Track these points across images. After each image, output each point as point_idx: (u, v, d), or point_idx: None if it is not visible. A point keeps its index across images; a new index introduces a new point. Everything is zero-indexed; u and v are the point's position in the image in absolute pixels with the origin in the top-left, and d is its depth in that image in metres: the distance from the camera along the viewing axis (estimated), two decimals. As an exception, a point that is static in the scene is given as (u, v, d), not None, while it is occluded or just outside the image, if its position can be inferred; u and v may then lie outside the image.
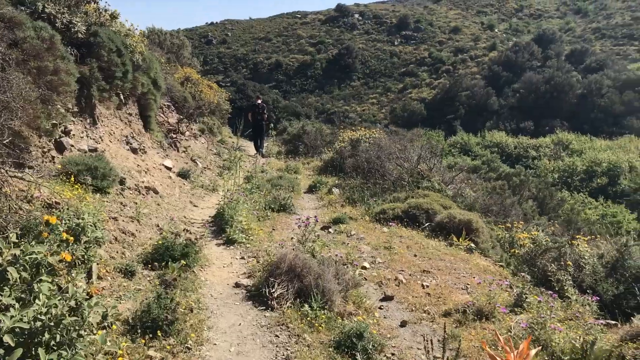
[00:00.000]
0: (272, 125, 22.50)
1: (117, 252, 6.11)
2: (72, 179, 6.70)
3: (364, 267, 7.26)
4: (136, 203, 7.61)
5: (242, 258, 7.10)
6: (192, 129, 16.38)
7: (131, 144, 9.95)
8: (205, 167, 13.05)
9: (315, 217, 8.30)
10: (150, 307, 4.53)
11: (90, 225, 5.53)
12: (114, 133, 9.60)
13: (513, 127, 68.93)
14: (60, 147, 7.57)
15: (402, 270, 7.34)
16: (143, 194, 8.45)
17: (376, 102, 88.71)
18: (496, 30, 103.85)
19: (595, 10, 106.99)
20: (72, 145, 7.92)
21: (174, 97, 16.38)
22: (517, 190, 17.62)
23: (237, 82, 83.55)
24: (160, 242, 6.25)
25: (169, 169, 10.83)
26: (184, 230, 7.32)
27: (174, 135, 13.24)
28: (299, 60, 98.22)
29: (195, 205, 9.73)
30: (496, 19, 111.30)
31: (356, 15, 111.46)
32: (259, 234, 8.21)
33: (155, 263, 6.05)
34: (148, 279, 5.78)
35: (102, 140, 8.99)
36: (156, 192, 8.94)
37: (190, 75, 19.62)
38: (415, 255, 8.19)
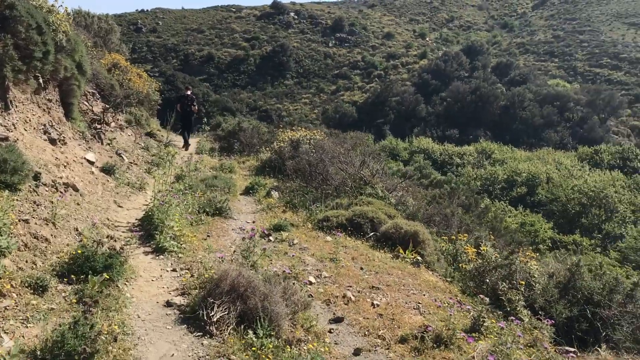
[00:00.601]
0: (203, 118, 21.55)
1: (26, 261, 5.18)
2: (-26, 172, 5.68)
3: (309, 282, 6.69)
4: (52, 202, 6.63)
5: (174, 270, 6.32)
6: (118, 119, 15.17)
7: (49, 133, 8.84)
8: (132, 162, 12.01)
9: (253, 228, 7.64)
10: (65, 337, 3.73)
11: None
12: (29, 121, 8.48)
13: (439, 134, 71.06)
14: (-39, 134, 6.47)
15: (350, 286, 6.83)
16: (61, 192, 7.44)
17: (309, 102, 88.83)
18: (427, 38, 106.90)
19: (521, 26, 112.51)
20: (-23, 133, 6.82)
21: (100, 85, 15.11)
22: (449, 197, 17.72)
23: (166, 73, 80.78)
24: (79, 250, 5.37)
25: (91, 163, 9.77)
26: (107, 237, 6.43)
27: (99, 126, 12.10)
28: (232, 55, 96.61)
29: (120, 206, 8.78)
30: (428, 27, 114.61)
31: (292, 14, 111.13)
32: (193, 242, 7.44)
33: (73, 276, 5.18)
34: (63, 294, 4.92)
35: (15, 128, 7.87)
36: (76, 190, 7.94)
37: (118, 61, 18.30)
38: (361, 269, 7.72)
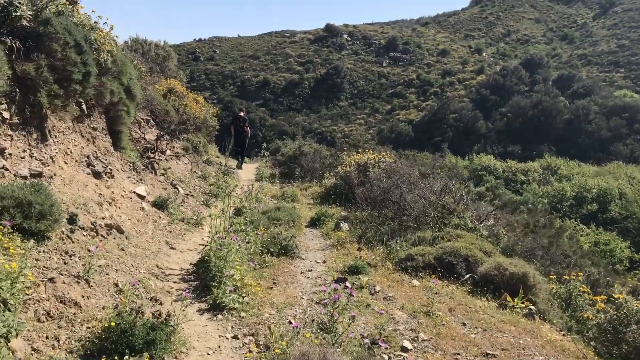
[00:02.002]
0: (262, 143, 20.65)
1: (46, 337, 3.96)
2: (-8, 219, 4.56)
3: (404, 349, 5.18)
4: (89, 251, 5.46)
5: (235, 337, 4.96)
6: (174, 147, 14.25)
7: (93, 166, 7.81)
8: (187, 194, 10.92)
9: (321, 276, 6.23)
10: None
11: (1, 305, 3.40)
12: (70, 152, 7.47)
13: (500, 150, 68.22)
14: (-16, 172, 5.43)
15: (458, 354, 5.27)
16: (102, 236, 6.30)
17: (364, 122, 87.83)
18: (484, 54, 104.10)
19: (582, 37, 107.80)
20: (6, 169, 5.78)
21: (155, 111, 14.28)
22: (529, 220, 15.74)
23: (224, 100, 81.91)
24: (112, 322, 4.11)
25: (142, 197, 8.69)
26: (151, 299, 5.16)
27: (152, 155, 11.12)
28: (286, 79, 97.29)
29: (172, 247, 7.57)
30: (484, 42, 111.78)
31: (345, 36, 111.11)
32: (257, 293, 6.10)
33: (104, 357, 3.91)
34: (91, 386, 3.65)
35: (53, 161, 6.86)
36: (121, 232, 6.79)
37: (174, 86, 17.55)
38: (464, 324, 6.13)
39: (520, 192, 47.51)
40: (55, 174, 6.67)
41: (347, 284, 7.16)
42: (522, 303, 6.98)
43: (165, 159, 12.45)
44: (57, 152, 7.11)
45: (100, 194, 7.32)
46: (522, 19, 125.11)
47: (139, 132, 11.52)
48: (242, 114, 18.33)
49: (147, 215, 8.25)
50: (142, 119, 13.18)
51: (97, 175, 7.79)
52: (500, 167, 56.25)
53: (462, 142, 70.97)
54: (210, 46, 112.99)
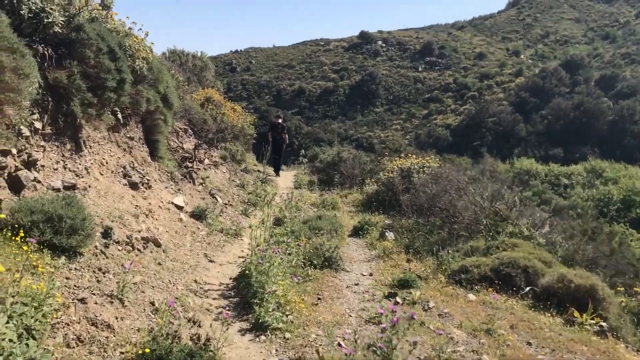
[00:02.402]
0: (300, 150, 20.20)
1: (76, 364, 3.61)
2: (22, 235, 4.26)
3: (468, 374, 4.64)
4: (124, 267, 5.13)
5: (281, 361, 4.52)
6: (212, 156, 14.02)
7: (130, 176, 7.54)
8: (226, 203, 10.60)
9: (368, 290, 5.73)
10: None
11: (24, 333, 3.05)
12: (106, 163, 7.22)
13: (542, 154, 66.24)
14: (16, 185, 5.17)
15: (529, 380, 4.69)
16: (138, 250, 5.98)
17: (400, 128, 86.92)
18: (522, 56, 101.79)
19: (624, 35, 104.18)
20: (38, 181, 5.52)
21: (193, 120, 14.09)
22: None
23: (260, 109, 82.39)
24: (148, 348, 3.72)
25: (180, 208, 8.38)
26: (189, 320, 4.76)
27: (190, 164, 10.86)
28: (321, 87, 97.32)
29: (211, 260, 7.21)
30: (522, 45, 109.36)
31: (379, 42, 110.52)
32: (302, 310, 5.65)
33: (138, 388, 3.52)
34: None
35: (88, 172, 6.60)
36: (158, 245, 6.47)
37: (211, 96, 17.40)
38: (529, 344, 5.53)
39: (564, 196, 45.92)
40: (89, 186, 6.40)
41: (398, 299, 6.65)
42: (592, 319, 6.32)
43: (204, 168, 12.19)
44: (92, 163, 6.87)
45: (137, 206, 7.03)
46: (561, 20, 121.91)
47: (177, 141, 11.29)
48: (279, 120, 18.07)
49: (185, 226, 7.93)
50: (180, 128, 12.99)
51: (133, 186, 7.52)
52: (542, 170, 54.55)
53: (502, 146, 69.35)
54: (246, 57, 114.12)
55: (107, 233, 5.61)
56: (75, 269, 4.67)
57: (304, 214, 10.34)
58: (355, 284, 7.20)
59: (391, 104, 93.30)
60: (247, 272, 6.10)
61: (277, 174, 17.60)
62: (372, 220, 10.58)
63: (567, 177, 53.75)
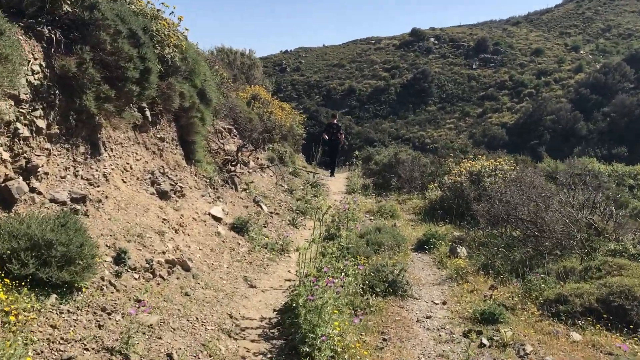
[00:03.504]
0: (354, 151, 19.15)
1: None
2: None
3: None
4: (138, 302, 3.97)
5: None
6: (257, 158, 12.92)
7: (159, 183, 6.45)
8: (272, 212, 9.41)
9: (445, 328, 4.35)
10: None
11: None
12: (130, 168, 6.14)
13: (604, 153, 62.51)
14: (5, 198, 4.12)
15: None
16: (161, 277, 4.83)
17: (454, 127, 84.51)
18: (582, 51, 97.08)
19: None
20: (39, 193, 4.46)
21: (237, 119, 13.05)
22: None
23: (310, 109, 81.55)
24: None
25: (218, 219, 7.24)
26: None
27: (233, 168, 9.74)
28: (372, 86, 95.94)
29: (252, 286, 5.99)
30: (581, 39, 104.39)
31: (432, 39, 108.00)
32: (363, 357, 4.35)
33: None
34: None
35: (107, 179, 5.53)
36: (187, 269, 5.31)
37: (258, 93, 16.35)
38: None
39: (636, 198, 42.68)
40: (107, 196, 5.31)
41: (484, 339, 5.24)
42: None
43: (248, 172, 11.08)
44: (112, 169, 5.80)
45: (165, 219, 5.91)
46: (624, 12, 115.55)
47: (218, 142, 10.21)
48: (335, 120, 17.60)
49: (223, 242, 6.77)
50: (224, 128, 11.94)
51: (163, 195, 6.42)
52: (605, 170, 51.23)
53: (561, 145, 65.96)
54: (296, 57, 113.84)
55: (120, 258, 4.49)
56: (69, 311, 3.54)
57: (360, 225, 9.02)
58: (427, 317, 5.83)
59: (444, 103, 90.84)
60: (294, 305, 4.86)
61: (333, 175, 17.31)
62: (439, 232, 9.14)
63: (633, 177, 50.19)
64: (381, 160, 15.95)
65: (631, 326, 5.68)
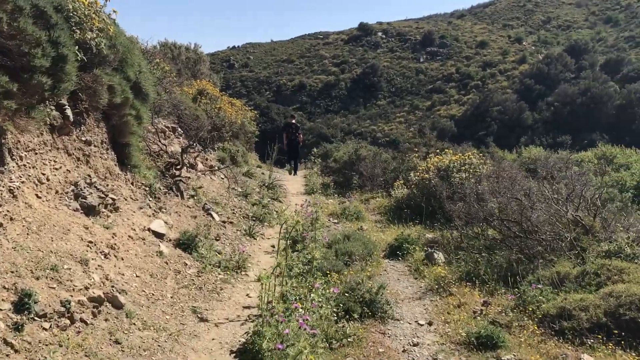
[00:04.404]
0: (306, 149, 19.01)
1: None
2: None
3: None
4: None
5: None
6: (207, 159, 11.75)
7: (85, 197, 5.28)
8: (225, 221, 8.32)
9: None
10: None
11: None
12: (47, 180, 4.96)
13: (550, 141, 64.13)
14: None
15: None
16: (83, 321, 3.72)
17: (404, 120, 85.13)
18: (524, 43, 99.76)
19: (627, 18, 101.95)
20: None
21: (182, 117, 11.84)
22: None
23: (260, 105, 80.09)
24: None
25: (159, 236, 6.12)
26: None
27: (178, 173, 8.58)
28: (322, 81, 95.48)
29: (203, 319, 4.91)
30: (523, 31, 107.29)
31: (379, 34, 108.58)
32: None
33: None
34: None
35: (14, 196, 4.35)
36: (118, 306, 4.21)
37: (205, 88, 15.13)
38: None
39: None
40: (12, 218, 4.15)
41: (484, 370, 4.39)
42: None
43: (197, 175, 9.93)
44: (22, 182, 4.61)
45: (91, 242, 4.77)
46: (562, 5, 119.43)
47: (160, 143, 9.01)
48: (293, 120, 18.11)
49: (166, 263, 5.66)
50: (167, 127, 10.73)
51: (89, 210, 5.26)
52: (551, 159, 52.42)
53: (508, 135, 67.32)
54: (244, 53, 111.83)
55: (22, 304, 3.36)
56: None
57: (325, 232, 8.05)
58: (414, 344, 4.93)
59: (394, 97, 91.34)
60: (255, 348, 3.85)
61: (295, 173, 17.40)
62: (412, 236, 8.28)
63: (578, 164, 51.48)
64: (341, 157, 15.04)
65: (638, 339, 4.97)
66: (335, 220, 10.09)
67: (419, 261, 7.48)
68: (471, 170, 9.99)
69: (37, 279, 3.70)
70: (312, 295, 4.80)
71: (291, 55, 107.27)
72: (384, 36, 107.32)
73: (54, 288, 3.75)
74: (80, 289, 3.97)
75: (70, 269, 4.11)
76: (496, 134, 69.96)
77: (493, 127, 72.31)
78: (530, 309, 5.60)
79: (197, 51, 26.25)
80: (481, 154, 11.26)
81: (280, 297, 4.73)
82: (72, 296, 3.80)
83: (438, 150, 11.90)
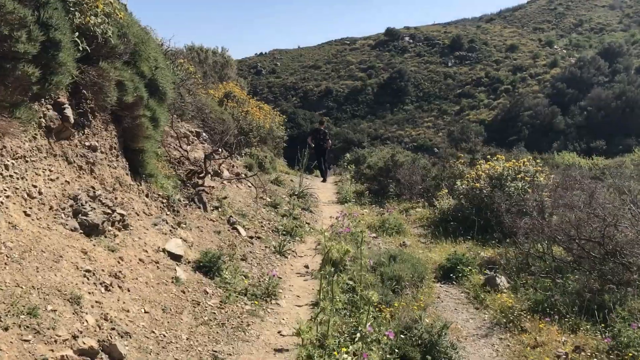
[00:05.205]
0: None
1: None
2: None
3: None
4: None
5: None
6: (233, 166, 10.86)
7: (86, 213, 4.38)
8: (252, 236, 7.37)
9: None
10: None
11: None
12: (38, 193, 4.07)
13: (583, 147, 62.19)
14: None
15: None
16: (64, 386, 2.78)
17: (432, 125, 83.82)
18: (555, 46, 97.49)
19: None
20: None
21: (207, 121, 11.01)
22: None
23: (287, 111, 79.70)
24: None
25: (177, 257, 5.19)
26: None
27: (201, 181, 7.68)
28: (349, 86, 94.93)
29: (226, 366, 3.97)
30: (554, 35, 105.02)
31: (406, 38, 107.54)
32: None
33: None
34: None
35: (-8, 214, 3.46)
36: (118, 358, 3.27)
37: (231, 91, 14.29)
38: None
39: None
40: (-13, 244, 3.25)
41: None
42: None
43: (222, 184, 9.03)
44: (7, 196, 3.73)
45: (88, 271, 3.85)
46: (595, 7, 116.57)
47: (182, 149, 8.13)
48: (322, 126, 17.30)
49: (183, 292, 4.72)
50: (190, 131, 9.89)
51: (90, 229, 4.36)
52: (585, 164, 50.46)
53: (540, 140, 65.45)
54: (271, 59, 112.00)
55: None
56: None
57: (367, 250, 7.04)
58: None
59: (421, 101, 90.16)
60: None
61: (325, 180, 16.83)
62: (466, 257, 7.18)
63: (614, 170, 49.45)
64: (376, 163, 13.99)
65: None
66: (374, 234, 9.03)
67: (477, 286, 6.39)
68: (527, 178, 8.85)
69: (6, 329, 2.78)
70: (359, 343, 3.78)
71: (318, 61, 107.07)
72: (411, 41, 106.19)
73: (27, 341, 2.83)
74: (66, 340, 3.04)
75: (55, 310, 3.19)
76: (528, 138, 68.19)
77: (524, 131, 70.60)
78: (631, 354, 4.48)
79: (224, 55, 25.65)
80: (537, 160, 10.08)
81: (320, 338, 3.74)
82: (52, 350, 2.87)
83: (489, 156, 10.77)
